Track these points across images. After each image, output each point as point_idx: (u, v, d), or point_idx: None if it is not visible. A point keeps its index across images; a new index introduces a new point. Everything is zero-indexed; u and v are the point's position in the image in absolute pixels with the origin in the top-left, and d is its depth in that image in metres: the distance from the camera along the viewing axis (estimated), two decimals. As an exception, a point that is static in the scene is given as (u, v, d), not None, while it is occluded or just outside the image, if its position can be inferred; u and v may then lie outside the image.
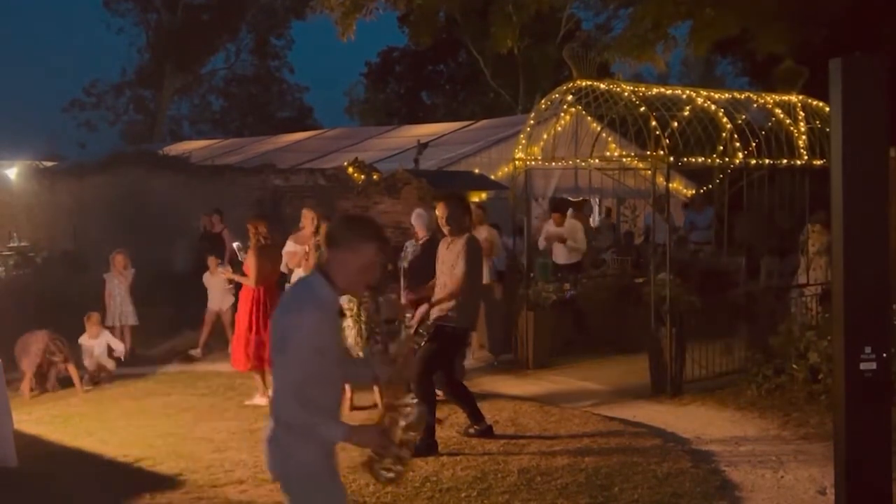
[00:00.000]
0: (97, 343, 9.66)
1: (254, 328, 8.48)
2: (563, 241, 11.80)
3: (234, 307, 11.30)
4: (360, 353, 7.97)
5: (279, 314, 3.28)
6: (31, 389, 8.88)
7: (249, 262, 8.59)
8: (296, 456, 3.26)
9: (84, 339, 9.62)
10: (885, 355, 3.87)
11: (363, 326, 8.03)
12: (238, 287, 9.25)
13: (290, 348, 3.18)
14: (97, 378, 9.49)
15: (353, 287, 3.36)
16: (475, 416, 7.14)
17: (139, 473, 6.47)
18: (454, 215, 6.97)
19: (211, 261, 11.34)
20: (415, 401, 3.38)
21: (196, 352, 10.97)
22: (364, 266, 3.29)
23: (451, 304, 6.86)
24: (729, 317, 9.56)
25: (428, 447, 6.67)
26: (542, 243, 12.12)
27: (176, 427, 7.70)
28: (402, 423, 3.31)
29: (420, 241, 8.25)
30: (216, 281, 11.14)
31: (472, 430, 7.10)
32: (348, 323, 8.07)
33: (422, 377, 6.82)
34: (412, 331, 3.49)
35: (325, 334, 3.22)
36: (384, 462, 3.31)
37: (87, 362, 9.48)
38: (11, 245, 14.26)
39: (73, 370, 9.05)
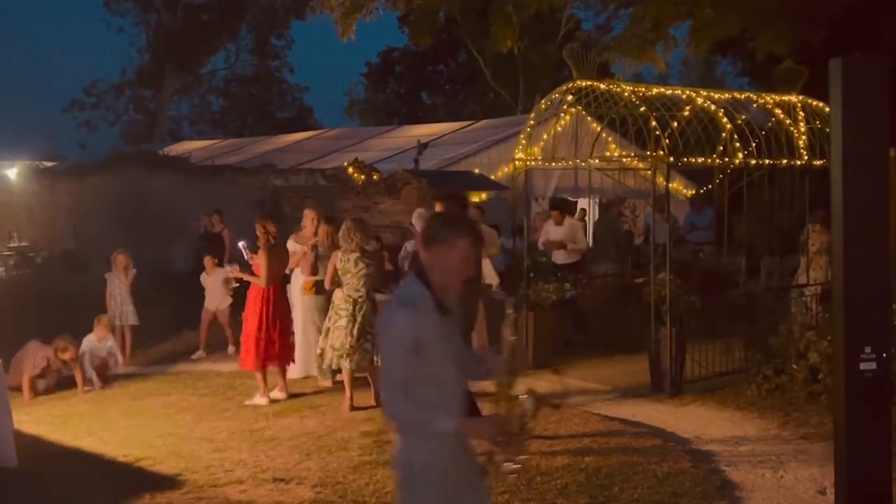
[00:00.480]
0: (102, 346, 9.64)
1: (264, 327, 8.49)
2: (563, 247, 11.79)
3: (232, 307, 11.37)
4: (350, 353, 7.99)
5: (379, 318, 3.50)
6: (31, 389, 8.86)
7: (260, 262, 8.59)
8: (412, 454, 3.31)
9: (91, 340, 9.58)
10: (885, 355, 3.88)
11: (356, 327, 8.03)
12: (239, 287, 9.25)
13: (388, 347, 3.32)
14: (103, 376, 9.48)
15: (450, 282, 3.41)
16: (475, 416, 7.13)
17: (139, 473, 6.47)
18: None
19: (207, 261, 11.32)
20: (529, 390, 3.37)
21: (200, 353, 10.97)
22: (460, 261, 3.37)
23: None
24: (729, 317, 9.56)
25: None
26: (541, 245, 12.14)
27: (176, 427, 7.69)
28: (518, 412, 3.31)
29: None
30: (213, 281, 11.14)
31: (472, 430, 7.09)
32: (341, 323, 8.08)
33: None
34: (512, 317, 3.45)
35: (421, 330, 3.25)
36: (506, 454, 3.30)
37: (87, 362, 9.46)
38: (11, 245, 14.28)
39: (77, 372, 9.06)
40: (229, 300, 11.14)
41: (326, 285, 8.32)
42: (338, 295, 8.17)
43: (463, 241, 3.36)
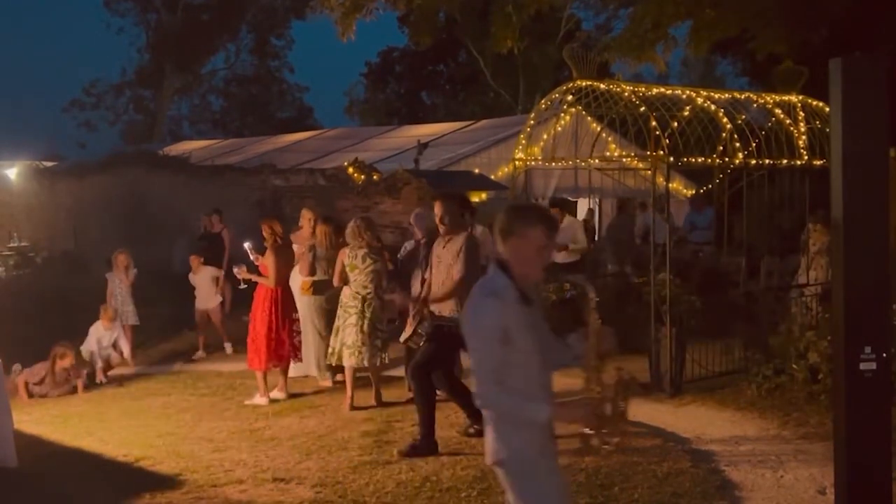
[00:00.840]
0: (108, 335, 9.68)
1: (273, 327, 8.50)
2: (564, 248, 11.77)
3: (233, 306, 11.35)
4: (362, 350, 8.00)
5: (464, 310, 3.48)
6: (27, 391, 8.85)
7: (268, 262, 8.59)
8: (510, 444, 3.37)
9: (98, 329, 9.61)
10: (885, 355, 3.87)
11: (366, 323, 8.04)
12: (242, 288, 9.25)
13: (475, 339, 3.34)
14: (106, 373, 9.48)
15: (529, 272, 3.44)
16: (475, 415, 7.12)
17: (139, 473, 6.47)
18: (450, 213, 6.96)
19: (193, 259, 11.33)
20: (621, 370, 3.41)
21: (200, 353, 10.97)
22: (536, 250, 3.41)
23: (450, 303, 6.85)
24: (729, 317, 9.55)
25: (428, 447, 6.67)
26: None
27: (176, 427, 7.70)
28: (610, 394, 3.35)
29: (420, 242, 8.25)
30: (201, 279, 11.16)
31: (472, 430, 7.10)
32: (352, 321, 8.08)
33: (421, 377, 6.83)
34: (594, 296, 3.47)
35: (508, 321, 3.31)
36: (600, 437, 3.36)
37: (96, 354, 9.47)
38: (11, 245, 14.28)
39: (79, 381, 9.05)
40: (219, 298, 11.17)
41: (335, 282, 8.33)
42: (346, 292, 8.18)
43: (535, 231, 3.40)
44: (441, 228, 7.04)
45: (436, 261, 7.07)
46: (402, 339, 7.62)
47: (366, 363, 8.07)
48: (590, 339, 3.45)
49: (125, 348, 9.96)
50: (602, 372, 3.41)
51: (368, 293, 8.09)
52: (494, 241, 3.52)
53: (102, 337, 9.67)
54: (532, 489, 3.39)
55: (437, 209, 7.04)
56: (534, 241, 3.39)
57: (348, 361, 8.10)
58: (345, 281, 8.17)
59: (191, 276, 11.29)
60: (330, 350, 8.29)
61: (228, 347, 11.04)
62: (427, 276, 7.28)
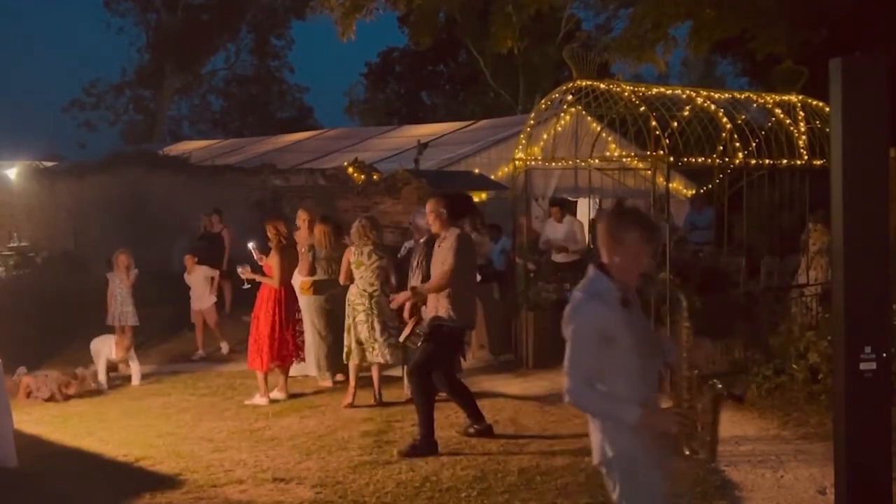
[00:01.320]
0: (119, 358, 9.60)
1: (277, 328, 8.50)
2: (564, 250, 11.76)
3: (233, 306, 11.33)
4: (375, 346, 8.02)
5: (567, 310, 3.50)
6: (26, 393, 8.83)
7: (273, 262, 8.59)
8: (616, 443, 3.40)
9: (109, 351, 9.49)
10: (885, 355, 3.87)
11: (376, 319, 8.05)
12: (243, 287, 9.28)
13: (574, 338, 3.42)
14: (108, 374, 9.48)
15: (627, 276, 3.48)
16: (475, 415, 7.14)
17: (139, 473, 6.47)
18: (434, 213, 6.96)
19: (187, 259, 11.32)
20: (715, 384, 3.41)
21: (200, 353, 10.97)
22: (633, 255, 3.44)
23: (447, 303, 6.83)
24: (729, 317, 9.54)
25: (428, 447, 6.67)
26: (542, 245, 12.14)
27: (176, 427, 7.70)
28: (699, 406, 3.37)
29: (420, 241, 8.26)
30: (195, 279, 11.14)
31: (471, 430, 7.10)
32: (361, 318, 8.09)
33: (420, 377, 6.82)
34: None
35: (610, 324, 3.36)
36: (691, 444, 3.38)
37: (102, 372, 9.43)
38: (11, 245, 14.25)
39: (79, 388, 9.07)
40: (213, 298, 11.16)
41: (341, 280, 8.34)
42: (352, 291, 8.19)
43: (632, 236, 3.43)
44: (433, 227, 7.05)
45: (434, 260, 7.09)
46: (400, 338, 7.63)
47: (380, 359, 8.10)
48: (682, 350, 3.47)
49: (135, 376, 9.62)
50: (693, 383, 3.42)
51: (375, 290, 8.10)
52: (598, 245, 3.55)
53: (111, 359, 9.54)
54: (639, 488, 3.43)
55: (427, 208, 7.06)
56: (631, 245, 3.43)
57: (362, 358, 8.10)
58: (351, 279, 8.18)
59: (185, 275, 11.28)
60: (346, 349, 8.29)
61: (225, 347, 11.05)
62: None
